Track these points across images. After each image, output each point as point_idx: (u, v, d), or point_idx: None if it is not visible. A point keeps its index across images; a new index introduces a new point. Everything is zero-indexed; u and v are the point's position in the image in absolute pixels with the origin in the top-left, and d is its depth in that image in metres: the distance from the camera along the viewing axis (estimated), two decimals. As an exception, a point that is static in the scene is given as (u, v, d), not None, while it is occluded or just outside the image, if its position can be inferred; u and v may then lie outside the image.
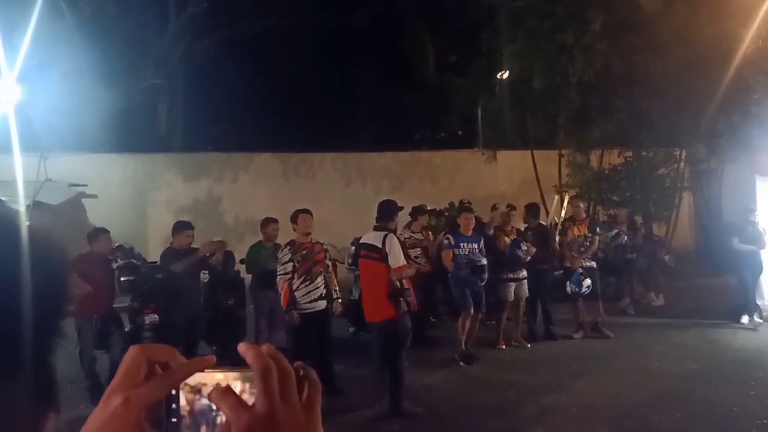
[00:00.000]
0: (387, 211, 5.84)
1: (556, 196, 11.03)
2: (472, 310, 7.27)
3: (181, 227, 6.69)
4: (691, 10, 10.43)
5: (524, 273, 7.91)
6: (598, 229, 8.46)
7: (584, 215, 8.64)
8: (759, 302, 8.74)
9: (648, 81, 10.33)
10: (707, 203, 13.28)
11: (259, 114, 15.18)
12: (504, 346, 7.85)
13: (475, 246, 7.34)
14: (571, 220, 8.65)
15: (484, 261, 7.40)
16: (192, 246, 6.65)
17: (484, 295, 7.61)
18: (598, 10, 10.54)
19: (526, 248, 7.79)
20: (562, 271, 8.54)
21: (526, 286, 7.95)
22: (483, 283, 7.42)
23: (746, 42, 10.41)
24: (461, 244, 7.33)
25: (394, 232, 5.76)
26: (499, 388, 6.46)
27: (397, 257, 5.48)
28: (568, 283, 8.13)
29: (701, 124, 10.75)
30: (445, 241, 7.48)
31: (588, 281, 8.04)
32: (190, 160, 13.29)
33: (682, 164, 12.24)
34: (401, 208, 5.99)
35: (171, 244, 6.77)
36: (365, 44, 15.71)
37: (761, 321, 8.52)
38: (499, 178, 13.01)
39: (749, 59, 10.37)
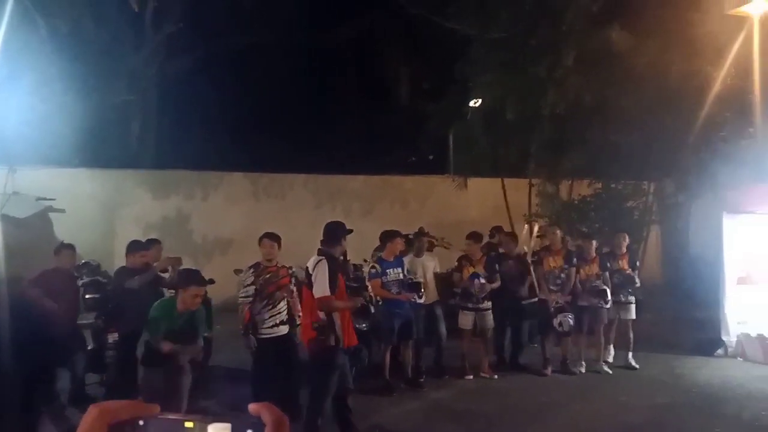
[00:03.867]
0: (332, 234, 5.46)
1: (526, 226, 11.09)
2: (394, 340, 7.17)
3: (134, 247, 6.52)
4: (662, 46, 10.71)
5: (487, 304, 7.81)
6: (574, 260, 8.19)
7: (560, 245, 8.40)
8: (724, 338, 8.83)
9: (619, 115, 10.52)
10: (675, 237, 13.49)
11: (232, 133, 15.10)
12: (471, 377, 7.76)
13: (399, 270, 7.22)
14: (546, 249, 8.38)
15: (422, 279, 7.32)
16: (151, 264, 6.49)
17: (441, 321, 7.57)
18: (571, 44, 10.77)
19: (482, 283, 7.69)
20: (536, 300, 8.44)
21: (490, 317, 7.81)
22: (421, 300, 7.28)
23: (715, 80, 10.71)
24: (388, 271, 7.19)
25: (333, 257, 5.32)
26: (465, 419, 6.38)
27: (320, 286, 5.07)
28: (557, 318, 7.89)
29: (670, 158, 10.97)
30: (372, 270, 7.29)
31: (572, 317, 7.86)
32: (161, 177, 13.10)
33: (650, 197, 12.44)
34: (350, 231, 5.58)
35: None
36: (340, 67, 15.79)
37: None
38: (470, 205, 13.05)
39: (718, 97, 10.64)
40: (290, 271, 6.55)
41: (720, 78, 10.68)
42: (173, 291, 7.12)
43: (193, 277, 5.32)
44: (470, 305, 7.76)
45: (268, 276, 6.05)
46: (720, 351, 8.77)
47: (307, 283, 5.28)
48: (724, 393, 7.15)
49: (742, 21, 10.83)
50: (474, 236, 8.03)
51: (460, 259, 8.08)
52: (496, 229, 9.36)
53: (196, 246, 12.37)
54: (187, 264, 9.67)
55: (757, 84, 10.48)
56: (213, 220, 12.70)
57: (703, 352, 8.78)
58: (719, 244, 8.96)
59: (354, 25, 15.20)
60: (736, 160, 10.99)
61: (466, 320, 7.78)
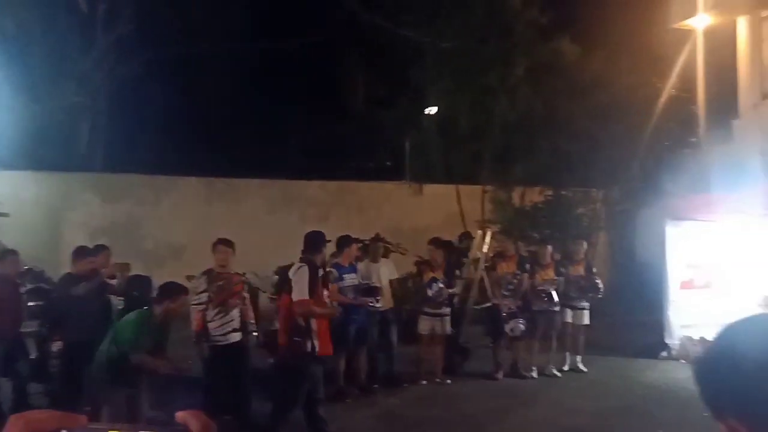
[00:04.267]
0: (312, 243, 5.57)
1: (479, 232, 11.25)
2: (350, 347, 7.19)
3: (80, 253, 6.34)
4: (609, 58, 11.06)
5: (446, 310, 7.88)
6: (527, 266, 8.30)
7: (512, 252, 8.52)
8: (668, 341, 9.13)
9: (568, 124, 10.81)
10: (622, 243, 13.90)
11: (185, 137, 14.83)
12: (425, 382, 7.80)
13: (354, 275, 7.27)
14: (499, 255, 8.51)
15: (378, 284, 7.38)
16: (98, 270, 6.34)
17: (393, 329, 7.60)
18: (522, 55, 11.02)
19: (439, 288, 7.78)
20: (489, 305, 8.54)
21: (447, 323, 7.90)
22: (378, 305, 7.32)
23: (660, 91, 11.12)
24: (344, 276, 7.22)
25: (314, 265, 5.36)
26: (417, 425, 6.43)
27: (299, 290, 5.10)
28: (509, 323, 8.00)
29: (617, 167, 11.31)
30: (330, 274, 7.40)
31: (524, 323, 7.99)
32: (110, 181, 12.78)
33: (599, 205, 12.80)
34: (329, 241, 5.77)
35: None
36: (297, 72, 15.74)
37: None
38: (425, 211, 13.16)
39: (663, 107, 11.04)
40: (244, 278, 6.49)
41: (665, 89, 11.09)
42: (122, 298, 6.99)
43: (179, 287, 5.34)
44: (429, 310, 7.80)
45: (221, 283, 5.97)
46: (664, 353, 9.06)
47: (287, 289, 5.30)
48: (668, 394, 7.38)
49: (686, 34, 11.30)
50: (436, 242, 8.08)
51: (420, 264, 8.13)
52: (465, 235, 9.48)
53: (147, 252, 12.10)
54: (138, 270, 9.46)
55: (701, 95, 10.94)
56: (165, 226, 12.46)
57: (648, 354, 9.05)
58: (663, 250, 9.28)
59: (309, 32, 15.19)
60: (679, 169, 11.43)
61: (424, 325, 7.82)
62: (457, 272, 8.26)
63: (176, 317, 5.17)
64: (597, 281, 8.49)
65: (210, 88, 14.93)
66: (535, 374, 8.16)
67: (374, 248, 8.23)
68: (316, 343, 5.17)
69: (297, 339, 5.10)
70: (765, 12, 11.10)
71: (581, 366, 8.39)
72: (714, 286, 9.40)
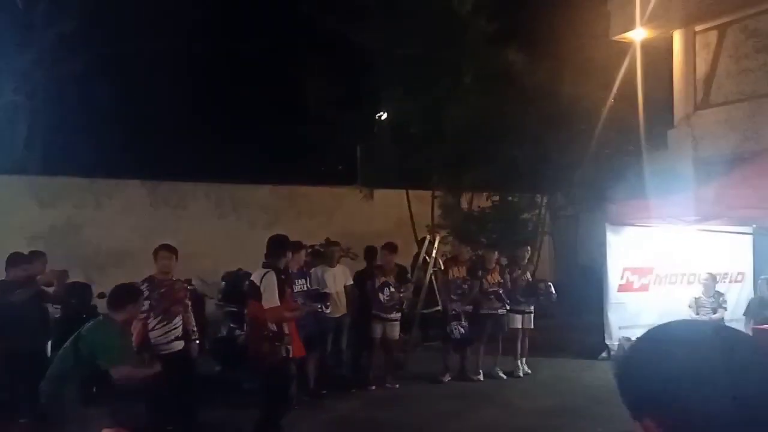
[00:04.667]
0: (276, 247, 5.54)
1: (428, 236, 11.39)
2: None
3: (15, 260, 6.13)
4: (554, 68, 11.38)
5: (396, 314, 7.93)
6: (479, 272, 8.43)
7: (465, 256, 8.61)
8: (607, 342, 9.44)
9: (515, 131, 11.06)
10: (565, 247, 14.32)
11: (129, 139, 14.42)
12: (374, 387, 7.82)
13: (304, 281, 7.28)
14: (452, 260, 8.62)
15: (328, 290, 7.39)
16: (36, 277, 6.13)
17: (345, 335, 7.60)
18: (471, 63, 11.24)
19: (390, 293, 7.82)
20: (438, 308, 8.63)
21: (396, 328, 7.95)
22: (328, 310, 7.33)
23: (602, 101, 11.51)
24: (294, 281, 7.23)
25: (279, 270, 5.39)
26: (365, 429, 6.46)
27: (270, 297, 5.15)
28: (450, 325, 8.12)
29: (560, 173, 11.64)
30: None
31: (464, 326, 8.09)
32: (49, 184, 12.31)
33: (543, 210, 13.14)
34: (296, 244, 5.79)
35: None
36: (247, 75, 15.55)
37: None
38: (376, 216, 13.22)
39: (604, 118, 11.43)
40: (189, 285, 6.38)
41: (606, 99, 11.49)
42: (59, 307, 6.77)
43: (139, 290, 5.12)
44: (381, 315, 7.83)
45: (163, 290, 5.85)
46: (604, 354, 9.37)
47: (254, 295, 5.26)
48: (607, 394, 7.60)
49: (626, 46, 11.74)
50: (389, 247, 8.14)
51: (375, 268, 8.17)
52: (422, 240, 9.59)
53: (88, 258, 11.70)
54: (77, 277, 9.19)
55: (640, 105, 11.38)
56: (106, 231, 12.07)
57: (588, 355, 9.34)
58: (603, 254, 9.61)
59: (261, 34, 15.04)
60: (618, 176, 11.85)
61: (375, 329, 7.84)
62: (408, 276, 8.33)
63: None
64: (549, 285, 8.73)
65: (156, 89, 14.55)
66: (481, 377, 8.31)
67: (330, 252, 8.22)
68: (290, 347, 5.28)
69: (277, 344, 5.17)
70: (698, 26, 11.65)
71: (525, 368, 8.60)
72: (651, 288, 9.80)
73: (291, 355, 5.33)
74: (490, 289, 8.36)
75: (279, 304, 5.24)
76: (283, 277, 5.43)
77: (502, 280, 8.49)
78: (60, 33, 14.23)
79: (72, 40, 14.31)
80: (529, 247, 9.23)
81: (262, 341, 5.23)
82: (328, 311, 7.39)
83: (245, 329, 6.14)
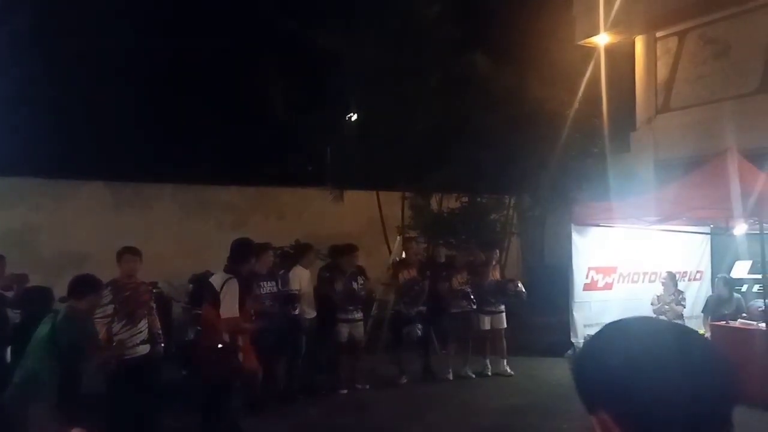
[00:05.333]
0: (240, 252, 5.32)
1: (398, 237, 11.42)
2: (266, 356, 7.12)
3: None
4: (519, 73, 11.53)
5: (359, 314, 7.92)
6: (428, 273, 8.44)
7: (415, 257, 8.59)
8: (573, 340, 9.60)
9: (481, 134, 11.16)
10: (532, 248, 14.52)
11: (89, 140, 14.07)
12: (345, 391, 7.78)
13: (273, 284, 7.22)
14: (402, 262, 8.59)
15: (295, 290, 7.33)
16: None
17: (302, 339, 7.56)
18: (437, 66, 11.31)
19: (361, 283, 7.78)
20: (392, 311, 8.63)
21: (361, 328, 7.94)
22: (296, 312, 7.26)
23: (566, 104, 11.71)
24: (261, 284, 7.12)
25: (242, 276, 5.22)
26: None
27: (229, 306, 4.94)
28: (408, 327, 8.14)
29: (527, 175, 11.79)
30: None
31: (420, 328, 8.13)
32: (4, 185, 11.94)
33: (511, 211, 13.29)
34: (263, 246, 5.62)
35: None
36: (213, 74, 15.36)
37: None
38: (346, 217, 13.19)
39: (569, 120, 11.63)
40: (155, 288, 6.27)
41: (570, 102, 11.70)
42: (18, 311, 6.58)
43: (98, 280, 4.86)
44: (344, 316, 7.80)
45: (127, 294, 5.74)
46: (570, 352, 9.50)
47: (211, 300, 5.06)
48: (572, 391, 7.67)
49: (590, 51, 11.98)
50: (349, 248, 8.11)
51: (330, 270, 8.13)
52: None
53: (46, 261, 11.39)
54: (37, 281, 8.94)
55: (604, 108, 11.62)
56: (66, 233, 11.75)
57: (554, 353, 9.48)
58: (569, 253, 9.77)
59: (227, 33, 14.88)
60: (583, 177, 12.08)
61: (341, 333, 7.80)
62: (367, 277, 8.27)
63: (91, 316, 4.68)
64: (518, 285, 8.77)
65: (117, 88, 14.27)
66: (450, 376, 8.35)
67: (310, 254, 8.16)
68: (241, 357, 5.12)
69: (227, 354, 4.99)
70: (660, 33, 11.96)
71: (507, 369, 8.60)
72: (614, 287, 10.00)
73: (241, 369, 5.16)
74: (458, 289, 8.40)
75: (238, 314, 5.02)
76: (245, 283, 5.24)
77: (470, 280, 8.52)
78: (13, 31, 13.83)
79: (27, 38, 13.92)
80: (498, 250, 9.27)
81: (212, 350, 5.03)
82: (296, 312, 7.33)
83: (197, 334, 5.92)
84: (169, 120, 15.11)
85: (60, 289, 7.51)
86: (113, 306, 5.65)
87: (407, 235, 9.60)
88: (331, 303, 7.80)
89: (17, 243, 11.02)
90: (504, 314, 8.75)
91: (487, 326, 8.62)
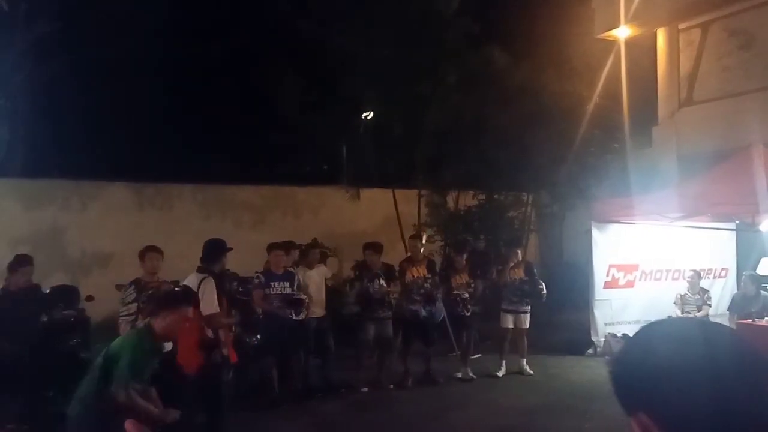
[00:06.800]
0: (212, 252, 5.54)
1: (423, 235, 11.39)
2: (277, 354, 7.12)
3: (17, 264, 6.07)
4: (537, 67, 11.43)
5: (386, 313, 7.84)
6: (437, 270, 8.30)
7: (422, 256, 8.35)
8: (593, 338, 9.51)
9: (499, 130, 11.08)
10: (550, 245, 14.40)
11: (112, 142, 14.29)
12: (366, 389, 7.74)
13: (287, 284, 7.19)
14: (408, 260, 8.33)
15: (303, 296, 7.28)
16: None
17: (330, 336, 7.59)
18: (453, 63, 11.24)
19: (380, 285, 7.73)
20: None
21: (389, 327, 7.83)
22: (299, 317, 7.20)
23: (585, 99, 11.58)
24: (272, 284, 7.14)
25: (215, 275, 5.42)
26: (347, 430, 6.48)
27: (209, 303, 5.15)
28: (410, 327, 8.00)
29: (545, 172, 11.69)
30: (255, 280, 7.26)
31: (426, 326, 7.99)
32: (32, 187, 12.16)
33: (529, 208, 13.19)
34: (230, 249, 5.70)
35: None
36: (230, 76, 15.48)
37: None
38: (362, 215, 13.21)
39: (588, 115, 11.50)
40: (177, 287, 6.32)
41: (590, 97, 11.57)
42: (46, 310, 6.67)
43: (177, 294, 4.51)
44: (372, 315, 7.74)
45: (150, 292, 5.83)
46: (590, 351, 9.43)
47: (192, 301, 5.17)
48: (593, 390, 7.67)
49: (610, 44, 11.82)
50: (373, 246, 8.02)
51: (358, 269, 8.10)
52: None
53: (73, 260, 11.62)
54: (62, 280, 9.13)
55: (625, 103, 11.46)
56: (91, 233, 11.96)
57: (575, 352, 9.40)
58: (589, 251, 9.67)
59: (243, 36, 14.98)
60: (603, 173, 11.94)
61: (366, 331, 7.74)
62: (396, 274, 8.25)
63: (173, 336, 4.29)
64: (540, 287, 8.54)
65: (139, 91, 14.45)
66: (459, 375, 8.19)
67: (313, 254, 8.18)
68: (225, 352, 5.28)
69: (214, 350, 5.16)
70: (682, 24, 11.76)
71: (527, 368, 8.44)
72: (636, 285, 9.88)
73: (227, 362, 5.33)
74: (456, 291, 8.23)
75: (218, 310, 5.25)
76: (219, 282, 5.45)
77: (471, 281, 8.31)
78: (41, 35, 14.08)
79: (53, 43, 14.17)
80: (519, 250, 9.08)
81: (195, 348, 5.17)
82: (299, 317, 7.25)
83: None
84: (188, 122, 15.28)
85: (85, 288, 7.67)
86: (137, 304, 5.73)
87: (415, 234, 9.45)
88: (360, 301, 7.80)
89: (46, 243, 11.25)
90: (528, 315, 8.54)
91: (510, 325, 8.49)
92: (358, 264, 8.36)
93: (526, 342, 8.57)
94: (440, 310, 8.26)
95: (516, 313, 8.48)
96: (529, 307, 8.59)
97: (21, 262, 6.18)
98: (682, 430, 0.88)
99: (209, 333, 5.18)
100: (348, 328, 8.23)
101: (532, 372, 8.45)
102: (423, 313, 7.96)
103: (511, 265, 8.64)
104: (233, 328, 5.94)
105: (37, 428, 5.71)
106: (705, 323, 1.01)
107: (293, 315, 7.10)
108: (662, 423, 0.90)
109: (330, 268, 8.98)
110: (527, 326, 8.56)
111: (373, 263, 7.89)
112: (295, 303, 7.15)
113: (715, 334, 0.95)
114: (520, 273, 8.59)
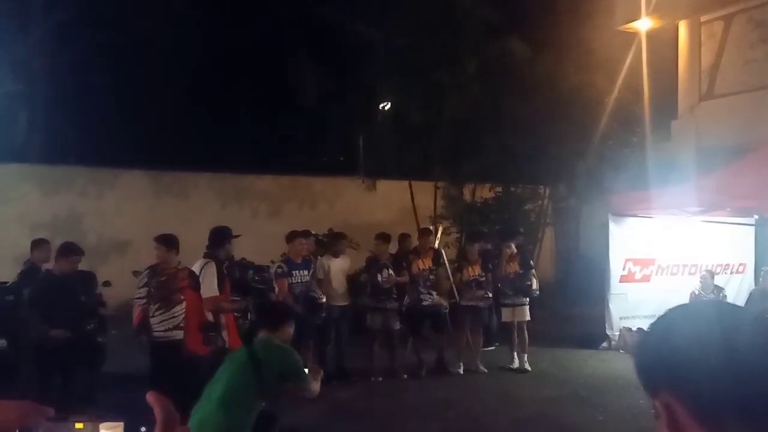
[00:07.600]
0: (217, 238, 5.69)
1: (432, 227, 11.38)
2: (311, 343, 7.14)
3: (68, 251, 6.11)
4: (556, 59, 11.32)
5: (393, 304, 7.88)
6: (441, 260, 8.23)
7: (428, 247, 8.28)
8: (608, 332, 9.46)
9: (516, 122, 11.02)
10: (566, 238, 14.32)
11: (131, 129, 14.40)
12: (380, 378, 7.78)
13: (306, 272, 7.22)
14: (414, 252, 8.28)
15: (323, 299, 7.27)
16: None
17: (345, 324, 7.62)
18: (472, 53, 11.17)
19: (388, 274, 7.77)
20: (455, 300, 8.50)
21: (394, 318, 7.87)
22: (318, 322, 7.22)
23: (605, 92, 11.47)
24: (294, 272, 7.15)
25: (219, 260, 5.53)
26: (362, 417, 6.51)
27: (208, 286, 5.26)
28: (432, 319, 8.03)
29: (562, 164, 11.60)
30: (279, 270, 7.26)
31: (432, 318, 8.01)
32: (50, 173, 12.32)
33: (545, 201, 13.12)
34: (236, 236, 5.83)
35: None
36: (247, 65, 15.51)
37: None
38: (378, 206, 13.22)
39: (606, 108, 11.39)
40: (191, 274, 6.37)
41: (609, 90, 11.45)
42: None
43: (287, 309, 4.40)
44: (378, 305, 7.79)
45: (163, 279, 5.86)
46: (605, 344, 9.38)
47: (194, 286, 5.34)
48: (607, 383, 7.66)
49: (630, 37, 11.68)
50: (382, 237, 8.08)
51: (369, 260, 8.13)
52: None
53: (91, 246, 11.66)
54: (80, 265, 9.21)
55: (645, 96, 11.34)
56: (109, 220, 12.10)
57: (589, 345, 9.35)
58: (605, 244, 9.60)
59: (261, 24, 14.99)
60: (620, 166, 11.83)
61: (374, 320, 7.80)
62: (404, 264, 8.25)
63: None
64: (530, 282, 8.35)
65: (157, 78, 14.53)
66: (461, 370, 8.18)
67: (341, 244, 8.20)
68: (225, 337, 5.32)
69: (211, 334, 5.23)
70: (704, 17, 11.59)
71: (526, 365, 8.28)
72: (652, 279, 9.80)
73: (227, 345, 5.31)
74: (469, 281, 8.19)
75: (218, 293, 5.35)
76: (223, 267, 5.57)
77: (483, 273, 8.24)
78: (59, 21, 14.19)
79: (71, 29, 14.27)
80: (511, 242, 8.94)
81: (197, 331, 5.26)
82: (319, 322, 7.32)
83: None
84: (206, 110, 15.34)
85: (102, 274, 7.75)
86: (148, 289, 5.80)
87: (425, 228, 9.38)
88: (367, 291, 7.86)
89: (64, 229, 11.38)
90: (526, 307, 8.40)
91: (510, 318, 8.44)
92: (372, 255, 8.38)
93: (527, 335, 8.38)
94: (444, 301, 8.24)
95: (513, 306, 8.36)
96: (527, 299, 8.43)
97: (74, 250, 6.15)
98: (706, 407, 0.88)
99: (209, 316, 5.27)
100: (362, 318, 8.27)
101: (529, 369, 8.26)
102: (428, 301, 7.99)
103: (506, 258, 8.49)
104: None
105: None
106: (729, 304, 1.01)
107: (317, 321, 7.16)
108: (686, 400, 0.89)
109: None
110: (527, 318, 8.37)
111: (381, 253, 7.92)
112: (315, 308, 7.18)
113: (738, 313, 0.95)
114: (515, 267, 8.41)
